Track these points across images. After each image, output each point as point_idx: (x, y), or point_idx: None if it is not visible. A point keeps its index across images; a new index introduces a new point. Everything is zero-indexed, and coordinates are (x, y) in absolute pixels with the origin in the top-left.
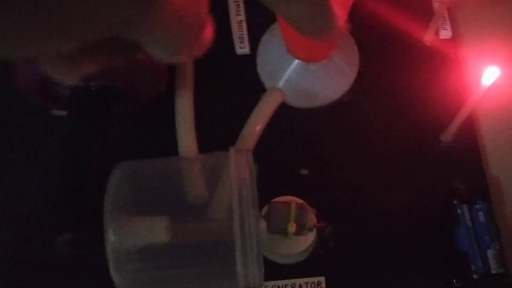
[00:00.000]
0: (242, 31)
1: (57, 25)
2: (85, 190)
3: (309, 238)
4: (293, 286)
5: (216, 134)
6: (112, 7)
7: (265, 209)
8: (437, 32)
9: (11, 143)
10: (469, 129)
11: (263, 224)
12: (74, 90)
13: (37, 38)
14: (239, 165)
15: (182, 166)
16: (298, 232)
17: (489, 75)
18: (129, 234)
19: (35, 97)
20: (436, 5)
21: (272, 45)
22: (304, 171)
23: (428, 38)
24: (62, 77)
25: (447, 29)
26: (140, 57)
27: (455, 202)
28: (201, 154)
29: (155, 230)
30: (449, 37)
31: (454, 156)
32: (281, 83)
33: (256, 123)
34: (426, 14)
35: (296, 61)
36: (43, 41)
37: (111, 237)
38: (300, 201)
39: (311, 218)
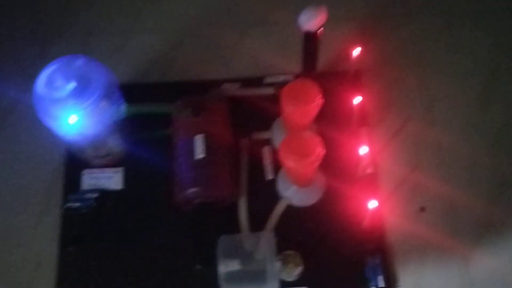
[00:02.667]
0: (270, 166)
1: None
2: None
3: (299, 269)
4: None
5: (258, 217)
6: None
7: (280, 256)
8: (364, 171)
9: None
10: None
11: (279, 263)
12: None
13: None
14: (268, 238)
15: (245, 238)
16: (293, 266)
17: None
18: (226, 267)
19: (183, 206)
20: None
21: (283, 176)
22: (299, 239)
23: (361, 173)
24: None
25: (370, 168)
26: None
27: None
28: (251, 232)
29: (235, 265)
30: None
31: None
32: (289, 194)
33: (277, 213)
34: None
35: (296, 186)
36: None
37: (220, 267)
38: (296, 253)
39: (299, 261)
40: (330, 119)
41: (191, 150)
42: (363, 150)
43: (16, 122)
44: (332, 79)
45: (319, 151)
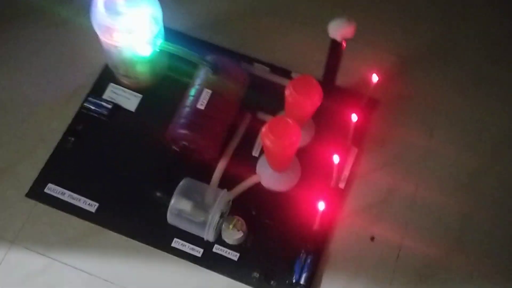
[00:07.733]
0: (259, 145)
1: None
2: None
3: (239, 235)
4: (226, 253)
5: (229, 182)
6: None
7: (227, 217)
8: (336, 184)
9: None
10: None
11: (223, 222)
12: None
13: None
14: (225, 198)
15: (208, 190)
16: (235, 231)
17: (320, 206)
18: (178, 204)
19: (171, 143)
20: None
21: (263, 159)
22: (253, 212)
23: (332, 184)
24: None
25: (342, 184)
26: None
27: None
28: (218, 188)
29: (187, 205)
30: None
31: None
32: (262, 174)
33: (244, 185)
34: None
35: (271, 169)
36: None
37: (172, 201)
38: (243, 222)
39: (243, 228)
40: (329, 128)
41: (196, 99)
42: (336, 159)
43: (71, 30)
44: (347, 95)
45: (295, 139)
